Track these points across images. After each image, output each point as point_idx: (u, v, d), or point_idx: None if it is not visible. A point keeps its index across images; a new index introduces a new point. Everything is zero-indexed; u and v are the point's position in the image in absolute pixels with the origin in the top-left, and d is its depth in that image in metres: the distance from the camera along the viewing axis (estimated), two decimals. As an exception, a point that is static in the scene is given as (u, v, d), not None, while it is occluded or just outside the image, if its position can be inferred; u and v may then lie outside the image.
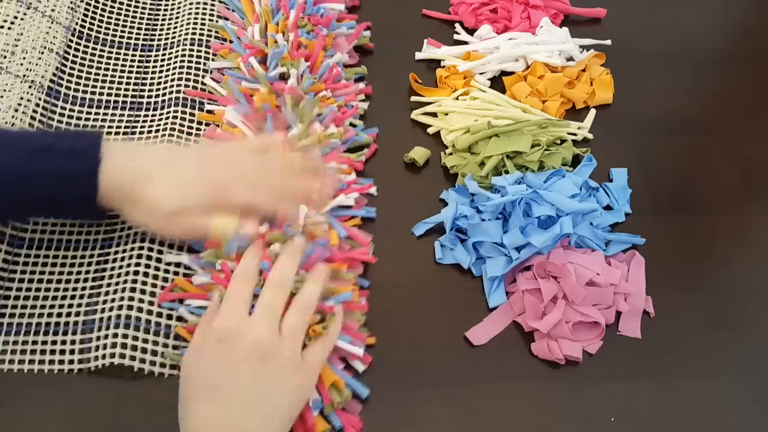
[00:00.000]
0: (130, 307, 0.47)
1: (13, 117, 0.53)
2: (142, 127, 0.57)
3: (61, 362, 0.46)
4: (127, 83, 0.60)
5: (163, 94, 0.59)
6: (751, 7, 0.74)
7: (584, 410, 0.48)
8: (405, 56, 0.66)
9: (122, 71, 0.61)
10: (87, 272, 0.50)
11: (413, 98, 0.63)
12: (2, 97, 0.54)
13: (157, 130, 0.57)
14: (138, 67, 0.61)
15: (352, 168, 0.57)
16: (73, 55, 0.60)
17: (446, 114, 0.61)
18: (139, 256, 0.49)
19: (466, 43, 0.67)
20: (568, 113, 0.63)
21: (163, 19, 0.64)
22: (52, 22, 0.59)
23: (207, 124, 0.58)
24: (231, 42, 0.62)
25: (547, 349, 0.49)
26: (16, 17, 0.58)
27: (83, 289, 0.49)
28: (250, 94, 0.57)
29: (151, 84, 0.60)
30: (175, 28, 0.63)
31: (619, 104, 0.64)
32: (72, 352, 0.47)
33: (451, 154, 0.59)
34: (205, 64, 0.61)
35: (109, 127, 0.57)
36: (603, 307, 0.51)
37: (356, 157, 0.57)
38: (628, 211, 0.57)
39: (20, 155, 0.45)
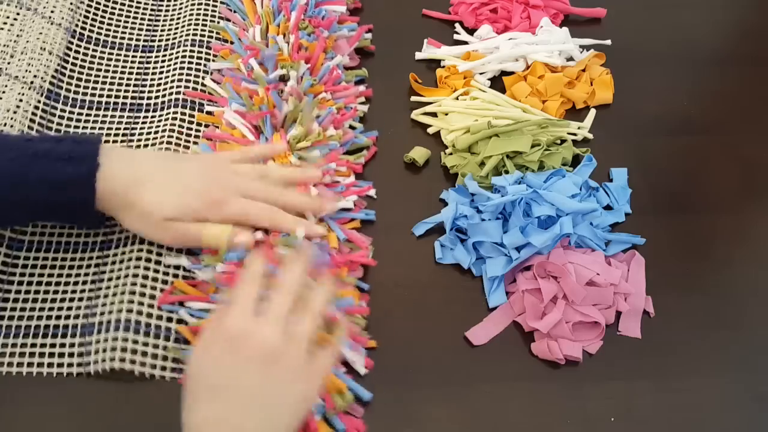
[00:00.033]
0: (129, 310, 0.47)
1: (12, 119, 0.53)
2: (141, 128, 0.57)
3: (60, 365, 0.46)
4: (127, 85, 0.60)
5: (163, 96, 0.59)
6: (751, 7, 0.74)
7: (584, 410, 0.48)
8: (405, 56, 0.66)
9: (122, 73, 0.60)
10: (86, 275, 0.50)
11: (413, 98, 0.63)
12: (0, 99, 0.54)
13: (157, 132, 0.56)
14: (138, 68, 0.61)
15: (351, 170, 0.57)
16: (73, 57, 0.60)
17: (446, 114, 0.61)
18: (138, 259, 0.49)
19: (466, 43, 0.67)
20: (568, 113, 0.63)
21: (164, 20, 0.64)
22: (51, 24, 0.59)
23: (207, 126, 0.58)
24: (232, 43, 0.62)
25: (547, 349, 0.49)
26: (15, 19, 0.58)
27: (82, 291, 0.49)
28: (250, 96, 0.57)
29: (151, 85, 0.60)
30: (176, 29, 0.63)
31: (619, 104, 0.64)
32: (71, 355, 0.47)
33: (451, 154, 0.59)
34: (205, 65, 0.61)
35: (109, 128, 0.57)
36: (603, 307, 0.51)
37: (355, 160, 0.57)
38: (628, 211, 0.57)
39: (19, 160, 0.45)
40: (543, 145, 0.57)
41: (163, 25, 0.64)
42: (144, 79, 0.60)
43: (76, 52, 0.60)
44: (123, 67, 0.61)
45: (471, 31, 0.68)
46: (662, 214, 0.58)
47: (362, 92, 0.61)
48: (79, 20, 0.62)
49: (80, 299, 0.49)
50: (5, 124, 0.53)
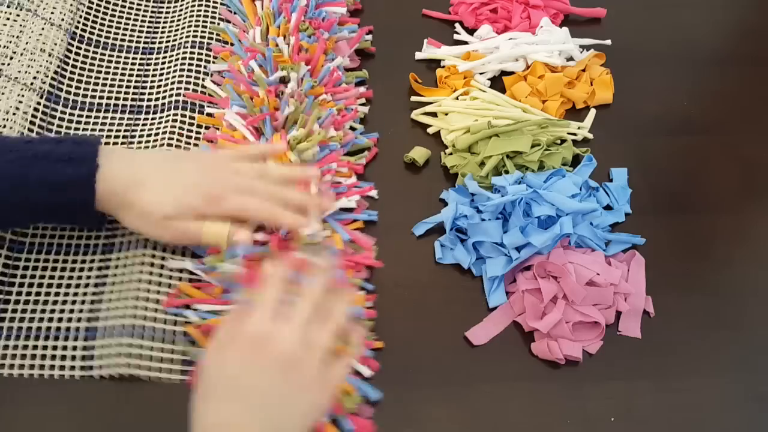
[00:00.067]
0: (134, 316, 0.47)
1: (12, 121, 0.53)
2: (141, 130, 0.57)
3: (62, 368, 0.46)
4: (127, 87, 0.60)
5: (164, 98, 0.59)
6: (751, 7, 0.74)
7: (584, 410, 0.48)
8: (405, 56, 0.66)
9: (122, 75, 0.60)
10: (88, 278, 0.50)
11: (413, 98, 0.63)
12: (-1, 101, 0.54)
13: (157, 134, 0.56)
14: (138, 70, 0.61)
15: (352, 171, 0.57)
16: (74, 59, 0.60)
17: (446, 114, 0.61)
18: (142, 264, 0.49)
19: (466, 43, 0.67)
20: (568, 113, 0.63)
21: (164, 22, 0.64)
22: (51, 26, 0.59)
23: (207, 127, 0.58)
24: (232, 45, 0.62)
25: (547, 349, 0.49)
26: (15, 21, 0.58)
27: (84, 294, 0.49)
28: (251, 97, 0.57)
29: (151, 87, 0.60)
30: (176, 30, 0.63)
31: (619, 104, 0.64)
32: (74, 358, 0.47)
33: (451, 154, 0.59)
34: (205, 66, 0.61)
35: (109, 130, 0.57)
36: (603, 307, 0.51)
37: (356, 161, 0.57)
38: (628, 211, 0.57)
39: (18, 161, 0.45)
40: (543, 145, 0.57)
41: (163, 27, 0.64)
42: (144, 81, 0.60)
43: (76, 53, 0.60)
44: (123, 69, 0.61)
45: (471, 31, 0.68)
46: (662, 214, 0.58)
47: (362, 93, 0.61)
48: (79, 22, 0.62)
49: (83, 302, 0.49)
50: (5, 126, 0.53)
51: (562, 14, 0.69)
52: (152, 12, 0.65)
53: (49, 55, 0.58)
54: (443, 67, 0.64)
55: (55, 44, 0.59)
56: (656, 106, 0.65)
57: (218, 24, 0.63)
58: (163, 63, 0.61)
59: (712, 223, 0.58)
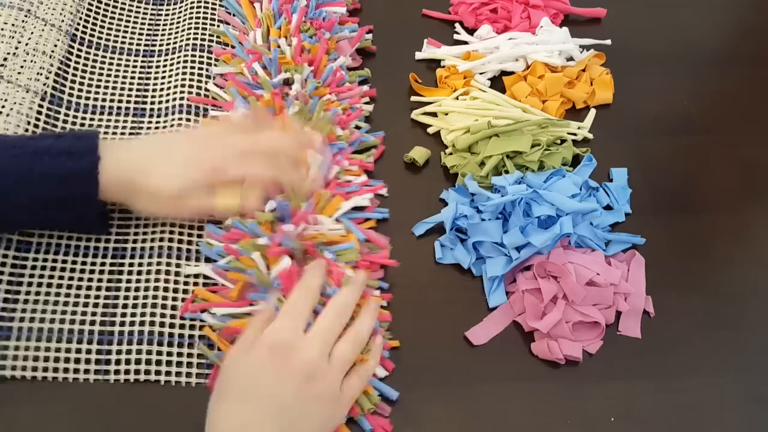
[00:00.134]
0: (152, 323, 0.47)
1: (15, 125, 0.53)
2: (146, 133, 0.57)
3: (77, 371, 0.46)
4: (129, 89, 0.60)
5: (167, 101, 0.59)
6: (751, 7, 0.74)
7: (584, 410, 0.48)
8: (405, 56, 0.66)
9: (124, 77, 0.60)
10: (100, 281, 0.50)
11: (413, 98, 0.63)
12: (3, 106, 0.53)
13: (162, 137, 0.56)
14: (140, 73, 0.61)
15: (363, 169, 0.57)
16: (75, 62, 0.60)
17: (446, 114, 0.61)
18: (158, 272, 0.49)
19: (466, 43, 0.67)
20: (568, 113, 0.63)
21: (164, 24, 0.64)
22: (52, 29, 0.59)
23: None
24: (233, 47, 0.62)
25: (547, 349, 0.49)
26: (14, 24, 0.58)
27: (97, 297, 0.49)
28: (257, 99, 0.57)
29: (154, 90, 0.60)
30: (176, 33, 0.63)
31: (619, 104, 0.64)
32: (88, 362, 0.46)
33: (451, 154, 0.59)
34: (207, 69, 0.60)
35: (113, 133, 0.57)
36: (603, 307, 0.51)
37: (365, 158, 0.57)
38: (628, 211, 0.57)
39: (21, 157, 0.45)
40: (543, 145, 0.57)
41: (163, 30, 0.64)
42: (146, 84, 0.60)
43: (78, 56, 0.60)
44: (125, 71, 0.61)
45: (471, 31, 0.68)
46: (662, 214, 0.58)
47: (366, 92, 0.61)
48: (79, 24, 0.62)
49: (95, 305, 0.48)
50: (7, 130, 0.52)
51: (562, 14, 0.69)
52: (152, 14, 0.65)
53: (50, 58, 0.58)
54: (443, 67, 0.64)
55: (56, 47, 0.59)
56: (656, 106, 0.65)
57: (218, 26, 0.63)
58: (165, 66, 0.61)
59: (712, 223, 0.58)
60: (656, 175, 0.60)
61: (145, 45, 0.63)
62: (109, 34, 0.63)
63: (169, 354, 0.47)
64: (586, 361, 0.50)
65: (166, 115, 0.58)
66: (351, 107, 0.59)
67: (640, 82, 0.66)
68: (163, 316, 0.48)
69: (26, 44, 0.57)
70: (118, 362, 0.46)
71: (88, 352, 0.47)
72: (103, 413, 0.45)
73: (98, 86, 0.59)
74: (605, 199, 0.57)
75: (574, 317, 0.50)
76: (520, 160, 0.56)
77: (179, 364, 0.47)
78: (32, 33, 0.58)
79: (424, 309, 0.52)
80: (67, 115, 0.57)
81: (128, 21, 0.64)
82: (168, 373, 0.46)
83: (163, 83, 0.60)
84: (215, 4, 0.64)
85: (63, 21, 0.60)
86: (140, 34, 0.63)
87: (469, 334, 0.50)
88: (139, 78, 0.61)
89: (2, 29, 0.57)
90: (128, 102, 0.59)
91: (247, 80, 0.58)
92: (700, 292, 0.54)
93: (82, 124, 0.57)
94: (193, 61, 0.60)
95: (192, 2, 0.64)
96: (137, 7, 0.65)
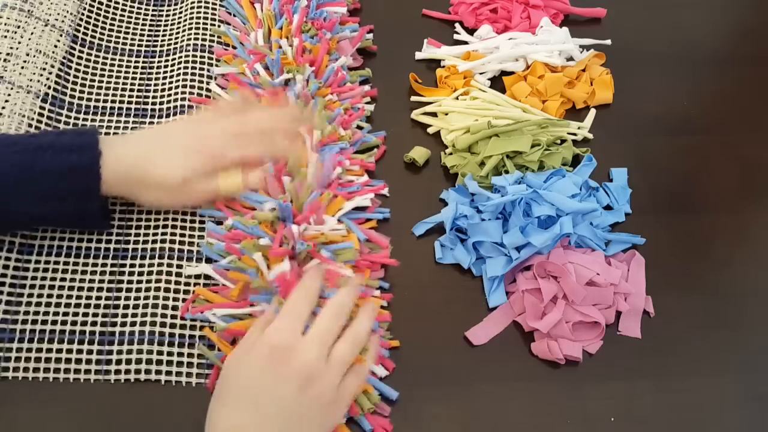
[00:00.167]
0: (153, 323, 0.47)
1: (18, 127, 0.53)
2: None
3: (77, 371, 0.46)
4: (131, 90, 0.60)
5: (168, 101, 0.58)
6: (751, 7, 0.74)
7: (584, 410, 0.48)
8: (405, 56, 0.66)
9: (125, 78, 0.60)
10: (101, 281, 0.50)
11: (413, 98, 0.63)
12: (4, 108, 0.53)
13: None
14: (141, 73, 0.61)
15: (364, 169, 0.57)
16: (76, 63, 0.60)
17: (446, 114, 0.61)
18: (159, 273, 0.49)
19: (466, 43, 0.67)
20: (568, 113, 0.63)
21: (165, 25, 0.64)
22: (53, 30, 0.59)
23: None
24: (234, 47, 0.62)
25: (547, 349, 0.49)
26: (13, 25, 0.58)
27: (98, 298, 0.49)
28: (259, 100, 0.57)
29: (155, 90, 0.60)
30: (177, 34, 0.63)
31: (619, 104, 0.64)
32: (89, 362, 0.46)
33: (451, 154, 0.59)
34: (208, 69, 0.60)
35: (114, 134, 0.57)
36: (603, 307, 0.51)
37: (367, 158, 0.57)
38: (628, 211, 0.57)
39: (23, 153, 0.46)
40: (543, 145, 0.57)
41: (164, 30, 0.64)
42: (147, 85, 0.60)
43: (79, 57, 0.60)
44: (126, 72, 0.61)
45: (471, 31, 0.68)
46: (662, 214, 0.58)
47: (367, 92, 0.62)
48: (80, 25, 0.61)
49: (96, 306, 0.49)
50: (10, 130, 0.52)
51: (562, 14, 0.69)
52: (152, 15, 0.65)
53: (52, 59, 0.58)
54: (443, 67, 0.64)
55: (56, 47, 0.59)
56: (656, 106, 0.65)
57: (218, 27, 0.63)
58: (166, 66, 0.61)
59: (712, 223, 0.58)
60: (656, 175, 0.60)
61: (146, 46, 0.63)
62: (110, 35, 0.63)
63: (170, 354, 0.47)
64: (586, 361, 0.50)
65: (168, 116, 0.58)
66: (352, 107, 0.59)
67: (640, 82, 0.66)
68: (164, 316, 0.48)
69: (27, 45, 0.57)
70: (118, 362, 0.46)
71: (89, 352, 0.47)
72: (103, 413, 0.45)
73: (99, 87, 0.59)
74: (605, 199, 0.57)
75: (574, 317, 0.50)
76: (520, 160, 0.56)
77: (179, 363, 0.47)
78: (32, 34, 0.58)
79: (424, 309, 0.52)
80: (68, 116, 0.57)
81: (129, 22, 0.64)
82: (168, 373, 0.46)
83: (164, 84, 0.60)
84: (215, 5, 0.64)
85: (64, 22, 0.60)
86: (141, 34, 0.63)
87: (469, 334, 0.50)
88: (140, 79, 0.61)
89: (3, 30, 0.57)
90: (129, 103, 0.59)
91: (249, 81, 0.58)
92: (700, 292, 0.54)
93: (84, 125, 0.57)
94: (194, 62, 0.60)
95: (192, 3, 0.64)
96: (138, 7, 0.65)
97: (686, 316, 0.53)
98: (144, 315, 0.48)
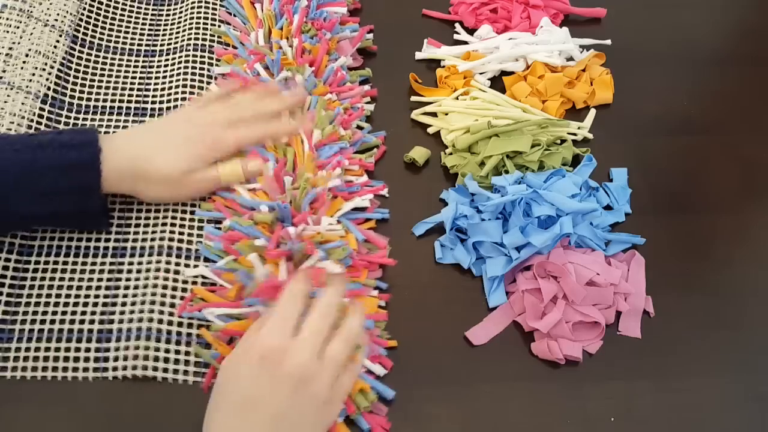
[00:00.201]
0: (150, 320, 0.47)
1: (18, 128, 0.53)
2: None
3: (75, 369, 0.46)
4: (131, 89, 0.60)
5: (168, 101, 0.59)
6: (751, 7, 0.74)
7: (584, 410, 0.48)
8: (405, 56, 0.66)
9: (125, 78, 0.60)
10: (100, 280, 0.50)
11: (413, 98, 0.63)
12: (3, 109, 0.53)
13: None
14: (141, 73, 0.61)
15: (363, 169, 0.57)
16: (76, 63, 0.60)
17: (446, 114, 0.61)
18: (157, 270, 0.49)
19: (466, 43, 0.67)
20: (568, 113, 0.63)
21: (165, 25, 0.64)
22: (52, 30, 0.59)
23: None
24: (234, 47, 0.62)
25: (547, 349, 0.49)
26: (14, 26, 0.58)
27: (96, 297, 0.49)
28: None
29: (155, 90, 0.60)
30: (178, 33, 0.63)
31: (619, 104, 0.64)
32: (87, 360, 0.46)
33: (451, 154, 0.59)
34: (208, 69, 0.60)
35: (114, 133, 0.57)
36: (603, 307, 0.51)
37: (366, 158, 0.57)
38: (628, 211, 0.57)
39: (24, 151, 0.46)
40: (543, 145, 0.57)
41: (164, 30, 0.64)
42: (147, 84, 0.60)
43: (79, 57, 0.60)
44: (126, 72, 0.61)
45: (471, 31, 0.68)
46: (662, 214, 0.58)
47: (367, 92, 0.62)
48: (80, 25, 0.61)
49: (95, 304, 0.49)
50: (10, 130, 0.52)
51: (562, 14, 0.69)
52: (152, 14, 0.65)
53: (51, 60, 0.58)
54: (443, 67, 0.64)
55: (56, 48, 0.59)
56: (656, 106, 0.65)
57: (219, 26, 0.63)
58: (166, 66, 0.61)
59: (712, 223, 0.58)
60: (656, 175, 0.60)
61: (146, 45, 0.63)
62: (110, 35, 0.63)
63: (167, 351, 0.47)
64: (586, 361, 0.50)
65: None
66: (352, 107, 0.59)
67: (640, 82, 0.66)
68: (161, 313, 0.48)
69: (26, 46, 0.57)
70: (116, 359, 0.46)
71: (87, 350, 0.47)
72: (102, 413, 0.45)
73: (99, 87, 0.59)
74: (605, 199, 0.57)
75: (574, 317, 0.50)
76: (520, 160, 0.56)
77: (177, 361, 0.47)
78: (31, 35, 0.58)
79: (424, 309, 0.52)
80: (68, 116, 0.57)
81: (129, 21, 0.64)
82: (165, 370, 0.46)
83: (164, 83, 0.60)
84: (216, 5, 0.64)
85: (63, 22, 0.60)
86: (141, 34, 0.63)
87: (469, 334, 0.50)
88: (140, 78, 0.61)
89: (2, 31, 0.57)
90: (129, 102, 0.59)
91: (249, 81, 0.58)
92: (700, 292, 0.54)
93: (83, 125, 0.57)
94: (194, 62, 0.60)
95: (193, 2, 0.64)
96: (138, 7, 0.65)
97: (686, 316, 0.53)
98: (141, 312, 0.48)
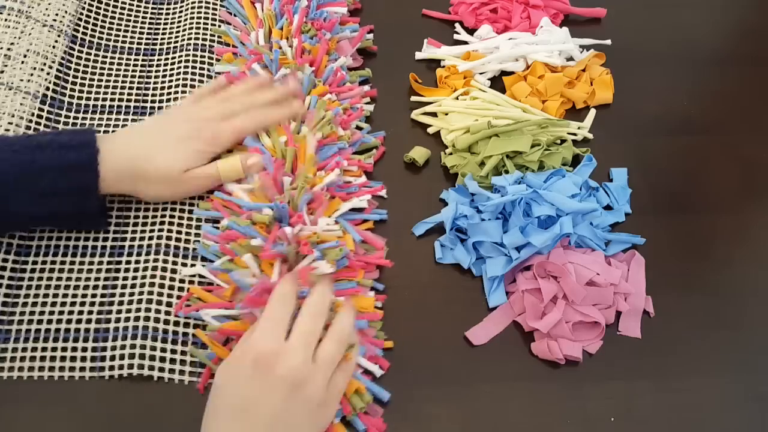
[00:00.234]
0: (147, 318, 0.47)
1: (16, 129, 0.53)
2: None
3: (72, 369, 0.46)
4: (130, 88, 0.60)
5: (168, 100, 0.59)
6: (751, 7, 0.74)
7: (584, 410, 0.48)
8: (405, 56, 0.66)
9: (125, 76, 0.60)
10: (97, 279, 0.50)
11: (413, 98, 0.63)
12: (1, 110, 0.53)
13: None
14: (141, 71, 0.61)
15: (362, 170, 0.57)
16: (75, 62, 0.60)
17: (446, 114, 0.61)
18: (154, 269, 0.49)
19: (466, 43, 0.67)
20: (568, 113, 0.63)
21: (165, 24, 0.64)
22: (51, 30, 0.59)
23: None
24: (234, 47, 0.62)
25: (547, 349, 0.49)
26: (12, 26, 0.58)
27: (93, 296, 0.49)
28: None
29: (155, 89, 0.60)
30: (178, 32, 0.63)
31: (619, 104, 0.64)
32: (84, 359, 0.46)
33: (451, 154, 0.59)
34: (208, 68, 0.60)
35: (114, 132, 0.57)
36: (603, 307, 0.51)
37: (365, 159, 0.57)
38: (628, 211, 0.57)
39: (22, 152, 0.46)
40: (543, 145, 0.57)
41: (164, 29, 0.64)
42: (147, 83, 0.60)
43: (78, 56, 0.60)
44: (125, 71, 0.61)
45: (471, 31, 0.68)
46: (662, 214, 0.58)
47: (367, 92, 0.61)
48: (79, 24, 0.61)
49: (92, 304, 0.49)
50: (8, 131, 0.52)
51: (562, 14, 0.69)
52: (152, 13, 0.65)
53: (50, 60, 0.58)
54: (443, 67, 0.64)
55: (55, 48, 0.58)
56: (656, 106, 0.65)
57: (219, 26, 0.63)
58: (166, 65, 0.61)
59: (712, 223, 0.58)
60: (656, 175, 0.60)
61: (146, 44, 0.63)
62: (110, 34, 0.63)
63: (163, 350, 0.47)
64: (586, 361, 0.50)
65: (168, 114, 0.58)
66: (352, 107, 0.59)
67: (640, 82, 0.66)
68: (158, 312, 0.48)
69: (25, 46, 0.57)
70: (113, 358, 0.46)
71: (84, 350, 0.47)
72: (102, 413, 0.45)
73: (98, 86, 0.59)
74: (605, 199, 0.57)
75: (574, 317, 0.50)
76: (520, 160, 0.56)
77: (173, 361, 0.47)
78: (30, 35, 0.58)
79: (424, 309, 0.52)
80: (67, 116, 0.57)
81: (129, 20, 0.64)
82: (162, 370, 0.46)
83: (164, 82, 0.60)
84: (216, 5, 0.64)
85: (62, 22, 0.60)
86: (141, 33, 0.63)
87: (469, 334, 0.50)
88: (140, 77, 0.61)
89: (0, 32, 0.57)
90: (128, 101, 0.59)
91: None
92: (700, 292, 0.54)
93: (83, 124, 0.57)
94: (194, 61, 0.60)
95: (193, 2, 0.64)
96: (137, 6, 0.65)
97: (686, 316, 0.53)
98: (138, 311, 0.48)
